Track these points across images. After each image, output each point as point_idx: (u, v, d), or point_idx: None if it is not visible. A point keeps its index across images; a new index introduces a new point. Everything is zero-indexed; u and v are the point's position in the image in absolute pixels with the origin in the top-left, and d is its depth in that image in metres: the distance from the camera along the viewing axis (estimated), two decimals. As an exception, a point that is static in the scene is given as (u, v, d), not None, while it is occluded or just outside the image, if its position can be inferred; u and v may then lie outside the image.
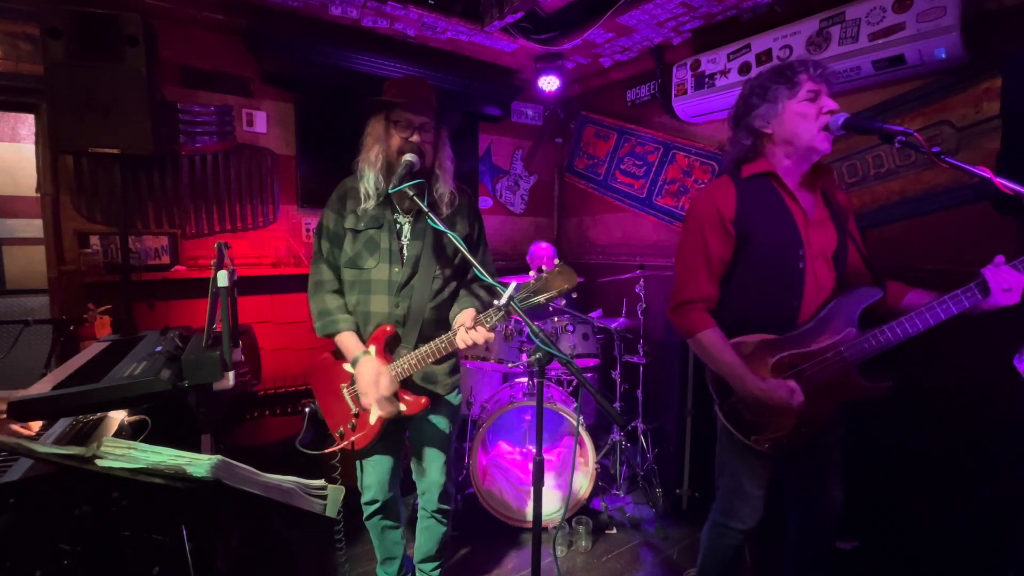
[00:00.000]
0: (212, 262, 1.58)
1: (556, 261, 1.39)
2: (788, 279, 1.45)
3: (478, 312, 1.49)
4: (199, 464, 0.83)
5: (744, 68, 2.75)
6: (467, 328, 1.44)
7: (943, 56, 2.09)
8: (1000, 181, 1.08)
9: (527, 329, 2.28)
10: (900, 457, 2.18)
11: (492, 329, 1.46)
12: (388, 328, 1.60)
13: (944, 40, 2.04)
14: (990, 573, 1.79)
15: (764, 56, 2.66)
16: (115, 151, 2.28)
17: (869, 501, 2.13)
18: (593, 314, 2.97)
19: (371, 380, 1.55)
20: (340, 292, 1.70)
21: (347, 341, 1.63)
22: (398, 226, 1.66)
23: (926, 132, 2.25)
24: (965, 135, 2.16)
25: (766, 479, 1.55)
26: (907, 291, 1.46)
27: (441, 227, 1.40)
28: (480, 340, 1.44)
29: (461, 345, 1.46)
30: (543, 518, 2.05)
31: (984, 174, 1.11)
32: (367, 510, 1.80)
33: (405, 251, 1.64)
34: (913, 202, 2.33)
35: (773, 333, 1.47)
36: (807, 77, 1.39)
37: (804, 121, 1.39)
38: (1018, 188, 1.07)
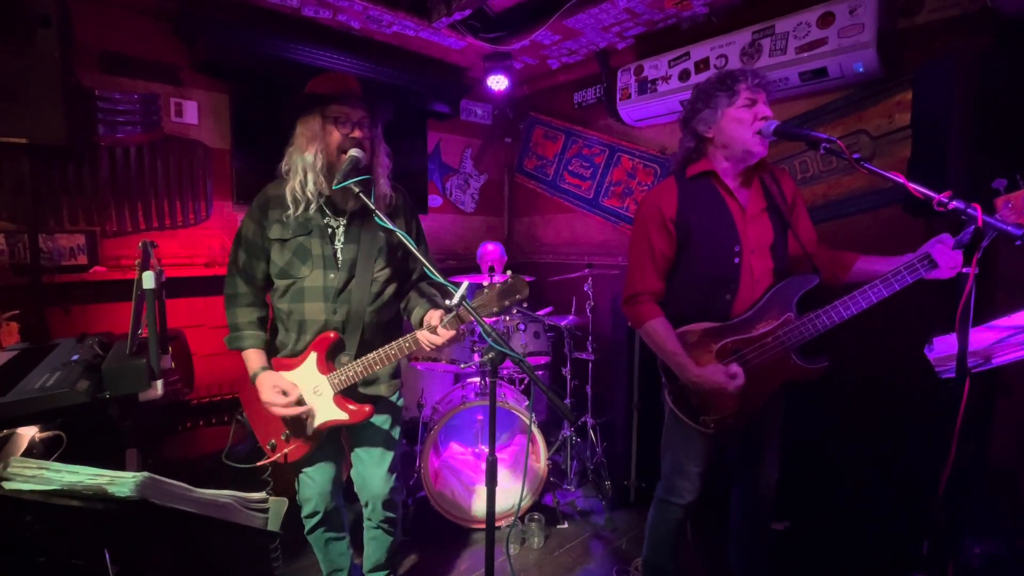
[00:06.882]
0: (136, 262, 1.47)
1: (509, 273, 1.42)
2: (724, 274, 1.55)
3: (445, 312, 1.46)
4: (122, 482, 0.76)
5: (684, 75, 2.86)
6: (435, 328, 1.42)
7: (861, 70, 2.26)
8: (912, 185, 1.18)
9: (479, 329, 2.27)
10: (826, 441, 2.34)
11: (457, 330, 1.45)
12: (331, 334, 1.54)
13: (862, 55, 2.21)
14: (908, 545, 1.96)
15: (702, 64, 2.78)
16: (23, 141, 2.06)
17: (800, 484, 2.27)
18: (542, 311, 3.00)
19: (273, 392, 1.50)
20: (253, 305, 1.63)
21: (250, 358, 1.58)
22: (330, 230, 1.58)
23: (846, 140, 2.43)
24: (880, 143, 2.35)
25: (705, 458, 1.64)
26: (855, 260, 1.57)
27: (390, 225, 1.35)
28: (443, 341, 1.43)
29: (426, 346, 1.45)
30: (496, 517, 2.05)
31: (898, 179, 1.20)
32: (308, 523, 1.73)
33: (340, 255, 1.57)
34: (835, 205, 2.51)
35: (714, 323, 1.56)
36: (745, 86, 1.50)
37: (740, 127, 1.49)
38: (927, 192, 1.17)
